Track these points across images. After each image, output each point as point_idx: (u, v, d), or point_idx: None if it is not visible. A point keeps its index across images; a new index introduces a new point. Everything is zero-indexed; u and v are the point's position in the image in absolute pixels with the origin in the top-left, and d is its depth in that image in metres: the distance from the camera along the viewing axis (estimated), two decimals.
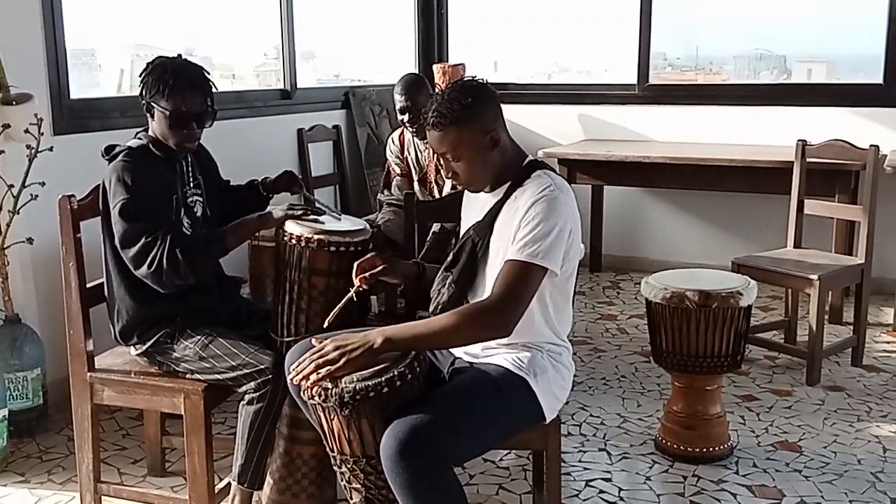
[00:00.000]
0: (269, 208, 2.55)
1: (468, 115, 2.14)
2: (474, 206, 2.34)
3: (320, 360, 1.98)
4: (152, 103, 2.46)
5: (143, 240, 2.34)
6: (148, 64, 2.49)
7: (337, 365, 1.97)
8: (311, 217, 2.49)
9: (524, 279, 2.06)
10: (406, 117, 3.95)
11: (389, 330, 2.04)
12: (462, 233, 2.35)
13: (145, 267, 2.34)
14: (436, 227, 3.97)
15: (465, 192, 2.43)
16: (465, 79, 2.23)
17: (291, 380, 2.03)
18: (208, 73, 2.53)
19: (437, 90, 5.65)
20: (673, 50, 5.92)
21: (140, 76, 2.50)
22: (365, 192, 5.36)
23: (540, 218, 2.08)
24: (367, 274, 2.27)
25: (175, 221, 2.48)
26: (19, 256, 3.31)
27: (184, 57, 2.54)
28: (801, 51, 5.62)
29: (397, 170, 4.22)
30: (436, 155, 2.40)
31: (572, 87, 5.96)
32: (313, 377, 1.97)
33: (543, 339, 2.21)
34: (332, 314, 2.26)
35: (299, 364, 2.02)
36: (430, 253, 3.58)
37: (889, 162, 4.25)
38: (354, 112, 5.41)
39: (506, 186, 2.22)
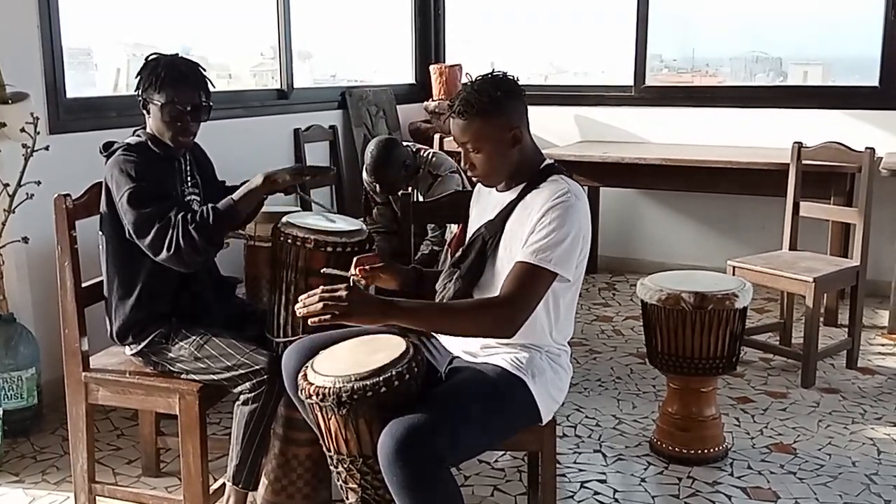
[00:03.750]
0: (274, 170, 2.49)
1: (495, 108, 2.14)
2: (485, 205, 2.34)
3: (329, 299, 1.95)
4: (147, 99, 2.47)
5: (156, 225, 2.33)
6: (144, 62, 2.50)
7: (343, 308, 1.94)
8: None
9: (534, 282, 2.06)
10: (377, 188, 4.08)
11: (404, 303, 2.04)
12: (471, 230, 2.35)
13: (164, 251, 2.33)
14: (424, 248, 4.00)
15: (476, 190, 2.43)
16: (496, 73, 2.21)
17: (297, 309, 2.00)
18: (203, 68, 2.53)
19: (437, 93, 5.64)
20: (669, 52, 5.92)
21: (136, 75, 2.50)
22: (361, 192, 5.35)
23: (556, 224, 2.08)
24: (365, 267, 2.27)
25: (183, 201, 2.48)
26: (14, 255, 3.30)
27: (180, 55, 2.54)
28: (797, 53, 5.63)
29: (378, 199, 4.26)
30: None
31: (569, 88, 5.96)
32: (315, 314, 1.95)
33: (544, 342, 2.21)
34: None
35: (308, 297, 1.98)
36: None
37: (885, 164, 4.26)
38: (351, 112, 5.40)
39: (521, 187, 2.22)
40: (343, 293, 1.96)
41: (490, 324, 2.07)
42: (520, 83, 2.22)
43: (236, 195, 2.44)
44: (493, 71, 2.22)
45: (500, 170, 2.21)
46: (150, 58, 2.50)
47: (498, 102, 2.14)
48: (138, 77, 2.49)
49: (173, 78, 2.44)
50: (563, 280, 2.12)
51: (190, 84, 2.48)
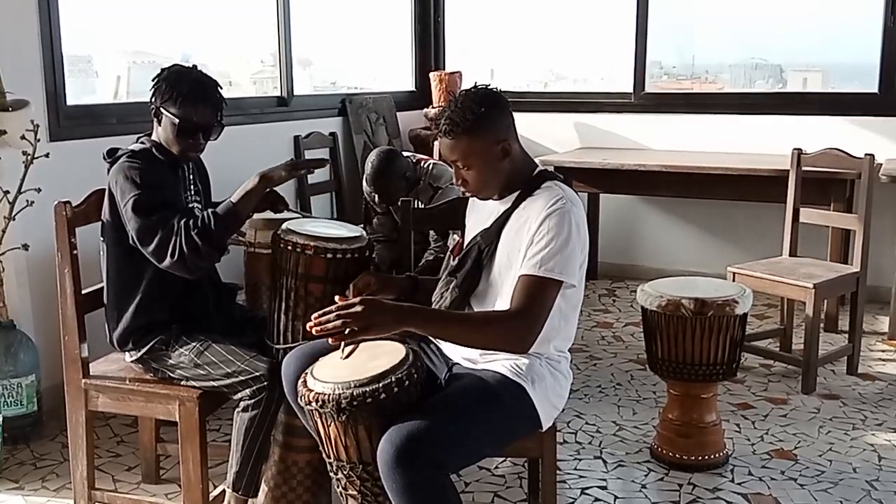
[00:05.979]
0: (268, 168, 2.47)
1: (481, 124, 2.13)
2: (480, 213, 2.34)
3: (346, 315, 1.92)
4: (162, 109, 2.46)
5: (159, 232, 2.33)
6: (163, 69, 2.50)
7: (361, 322, 1.92)
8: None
9: (542, 294, 2.07)
10: (376, 198, 4.09)
11: (421, 310, 2.04)
12: (468, 239, 2.35)
13: (168, 258, 2.33)
14: (428, 255, 4.00)
15: (471, 198, 2.43)
16: (479, 87, 2.21)
17: (310, 328, 1.97)
18: (221, 87, 2.53)
19: (438, 101, 5.66)
20: (669, 58, 5.93)
21: (153, 80, 2.49)
22: (361, 199, 5.36)
23: (554, 232, 2.08)
24: (363, 296, 2.24)
25: (186, 207, 2.48)
26: (14, 262, 3.30)
27: (198, 67, 2.54)
28: (796, 60, 5.64)
29: (378, 208, 4.26)
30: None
31: (568, 95, 5.97)
32: (333, 332, 1.92)
33: (545, 349, 2.20)
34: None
35: (323, 315, 1.95)
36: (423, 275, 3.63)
37: (884, 171, 4.26)
38: (351, 119, 5.41)
39: (515, 195, 2.22)
40: (360, 308, 1.94)
41: (503, 339, 2.07)
42: (504, 95, 2.22)
43: (234, 197, 2.44)
44: (475, 85, 2.22)
45: (492, 183, 2.21)
46: (173, 69, 2.49)
47: (483, 118, 2.14)
48: (156, 85, 2.47)
49: (196, 97, 2.44)
50: (569, 286, 2.12)
51: (210, 105, 2.48)
